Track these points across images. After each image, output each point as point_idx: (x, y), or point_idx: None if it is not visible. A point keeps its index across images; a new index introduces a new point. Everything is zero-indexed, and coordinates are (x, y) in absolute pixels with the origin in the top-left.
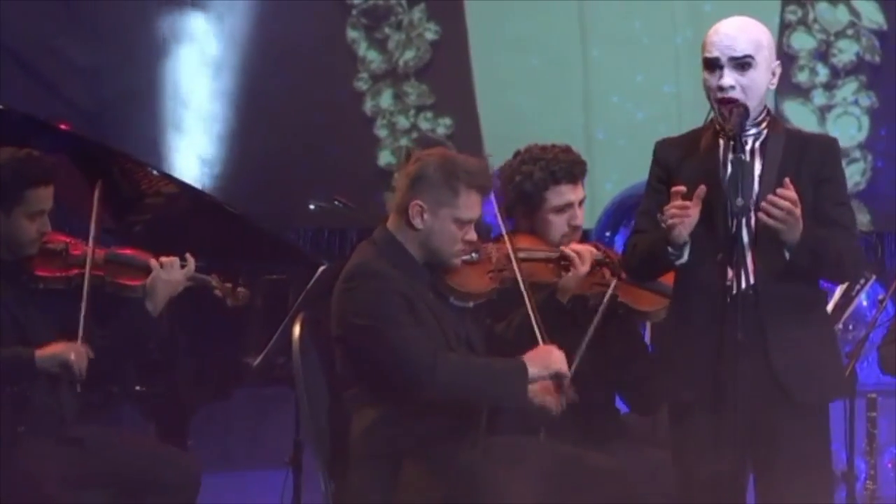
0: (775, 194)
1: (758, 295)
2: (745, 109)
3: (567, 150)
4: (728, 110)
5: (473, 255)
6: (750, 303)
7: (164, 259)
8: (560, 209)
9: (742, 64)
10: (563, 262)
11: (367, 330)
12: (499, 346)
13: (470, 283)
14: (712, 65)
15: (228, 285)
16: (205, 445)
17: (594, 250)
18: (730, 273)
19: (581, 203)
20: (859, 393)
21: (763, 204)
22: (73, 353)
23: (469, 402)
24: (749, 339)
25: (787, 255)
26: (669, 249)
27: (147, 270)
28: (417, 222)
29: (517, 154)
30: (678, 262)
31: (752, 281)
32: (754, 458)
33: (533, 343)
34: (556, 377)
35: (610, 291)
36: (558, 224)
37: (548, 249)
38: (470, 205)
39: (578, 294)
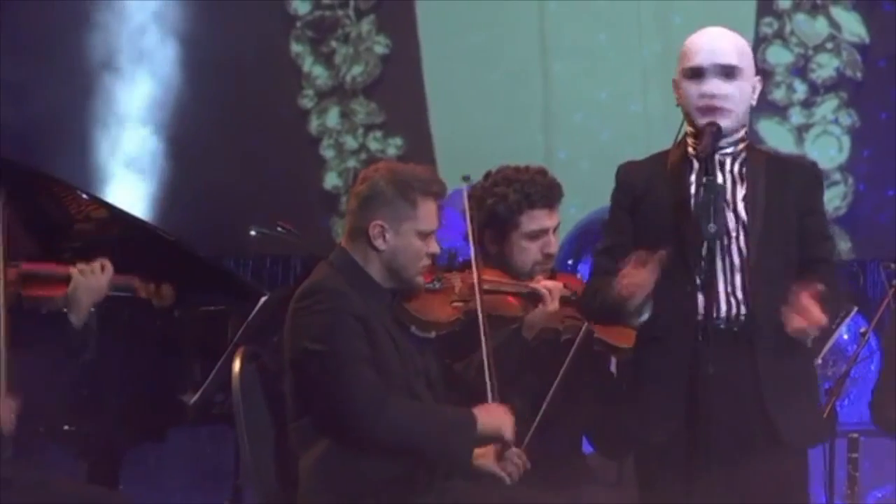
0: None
1: (744, 329)
2: (719, 129)
3: (543, 172)
4: (704, 127)
5: (436, 283)
6: (725, 335)
7: (82, 265)
8: (534, 235)
9: (728, 72)
10: (531, 297)
11: (318, 356)
12: (457, 386)
13: (432, 311)
14: (695, 73)
15: (152, 286)
16: (138, 488)
17: (563, 287)
18: (701, 303)
19: (555, 230)
20: (840, 433)
21: (795, 322)
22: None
23: (412, 450)
24: (723, 373)
25: (808, 343)
26: (628, 311)
27: (66, 280)
28: (380, 243)
29: (488, 175)
30: (639, 322)
31: (730, 312)
32: (729, 501)
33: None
34: (501, 442)
35: (585, 326)
36: (531, 251)
37: (515, 283)
38: (430, 214)
39: (549, 328)
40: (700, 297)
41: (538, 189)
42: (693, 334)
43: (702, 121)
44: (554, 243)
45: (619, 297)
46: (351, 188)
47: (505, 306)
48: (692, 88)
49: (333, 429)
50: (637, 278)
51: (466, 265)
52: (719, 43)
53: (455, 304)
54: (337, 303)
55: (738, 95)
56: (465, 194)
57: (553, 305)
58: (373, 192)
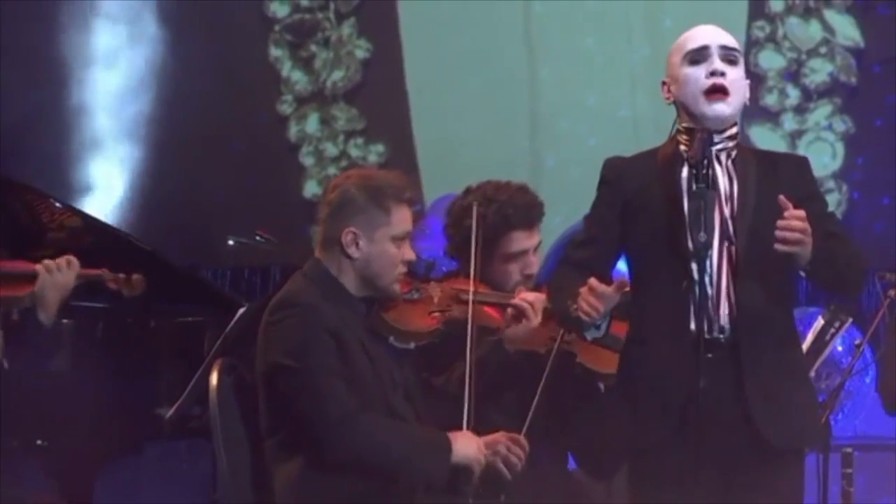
0: (752, 225)
1: (734, 336)
2: (710, 136)
3: (523, 190)
4: (695, 133)
5: (415, 294)
6: (718, 345)
7: (49, 262)
8: (513, 256)
9: (730, 57)
10: (514, 312)
11: (290, 371)
12: (439, 401)
13: (412, 321)
14: (699, 56)
15: (122, 275)
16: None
17: (545, 300)
18: (692, 310)
19: (536, 249)
20: (834, 447)
21: (778, 232)
22: None
23: (384, 469)
24: (717, 386)
25: (803, 273)
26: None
27: (33, 278)
28: (353, 251)
29: (468, 192)
30: (596, 336)
31: (720, 322)
32: None
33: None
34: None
35: (557, 342)
36: (510, 272)
37: (497, 294)
38: (404, 220)
39: (529, 350)
40: (692, 305)
41: (517, 210)
42: (685, 342)
43: (706, 109)
44: (535, 263)
45: (573, 314)
46: (322, 197)
47: (485, 318)
48: (696, 73)
49: (305, 445)
50: (594, 301)
51: (445, 277)
52: (719, 30)
53: (434, 314)
54: (309, 317)
55: (739, 85)
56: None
57: (535, 320)
58: (344, 199)
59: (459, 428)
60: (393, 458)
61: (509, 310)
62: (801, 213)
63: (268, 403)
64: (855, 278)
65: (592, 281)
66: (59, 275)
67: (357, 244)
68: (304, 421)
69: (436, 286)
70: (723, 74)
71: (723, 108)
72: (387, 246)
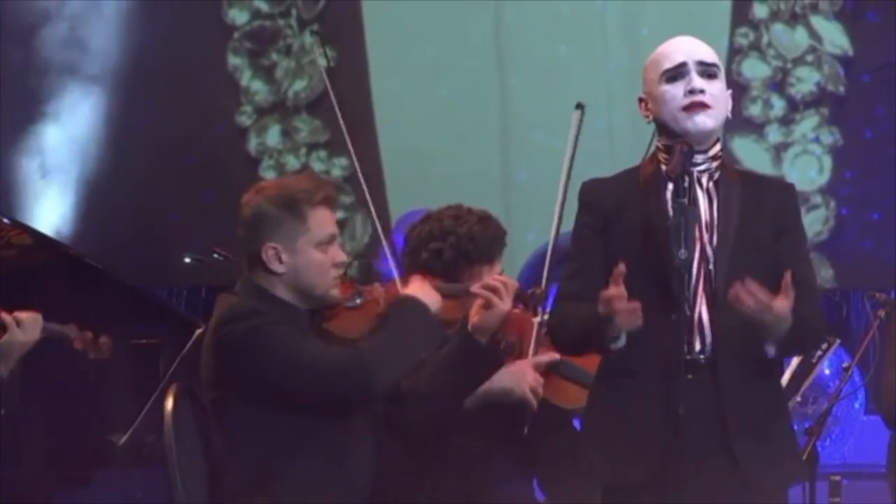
0: (733, 251)
1: (714, 363)
2: (691, 148)
3: (484, 221)
4: (675, 145)
5: (357, 298)
6: (698, 366)
7: (20, 315)
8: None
9: (709, 72)
10: (483, 299)
11: (275, 373)
12: (406, 406)
13: (355, 329)
14: (676, 73)
15: (89, 335)
16: None
17: (512, 281)
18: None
19: None
20: (821, 475)
21: (742, 293)
22: None
23: (404, 365)
24: (697, 414)
25: (770, 351)
26: (608, 336)
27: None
28: (277, 266)
29: (427, 219)
30: (616, 346)
31: (701, 345)
32: None
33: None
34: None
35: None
36: (469, 307)
37: (455, 287)
38: (323, 222)
39: (504, 338)
40: (673, 325)
41: (477, 244)
42: (667, 365)
43: (687, 124)
44: None
45: (606, 319)
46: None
47: (444, 311)
48: (674, 90)
49: (328, 425)
50: (632, 311)
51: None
52: (695, 43)
53: (381, 318)
54: (262, 318)
55: (720, 100)
56: None
57: (507, 302)
58: (257, 215)
59: (434, 440)
60: (409, 356)
61: (478, 299)
62: (774, 305)
63: (236, 424)
64: (815, 347)
65: (608, 294)
66: (30, 331)
67: (280, 259)
68: (314, 391)
69: (378, 287)
70: (702, 91)
71: (704, 120)
72: (311, 254)
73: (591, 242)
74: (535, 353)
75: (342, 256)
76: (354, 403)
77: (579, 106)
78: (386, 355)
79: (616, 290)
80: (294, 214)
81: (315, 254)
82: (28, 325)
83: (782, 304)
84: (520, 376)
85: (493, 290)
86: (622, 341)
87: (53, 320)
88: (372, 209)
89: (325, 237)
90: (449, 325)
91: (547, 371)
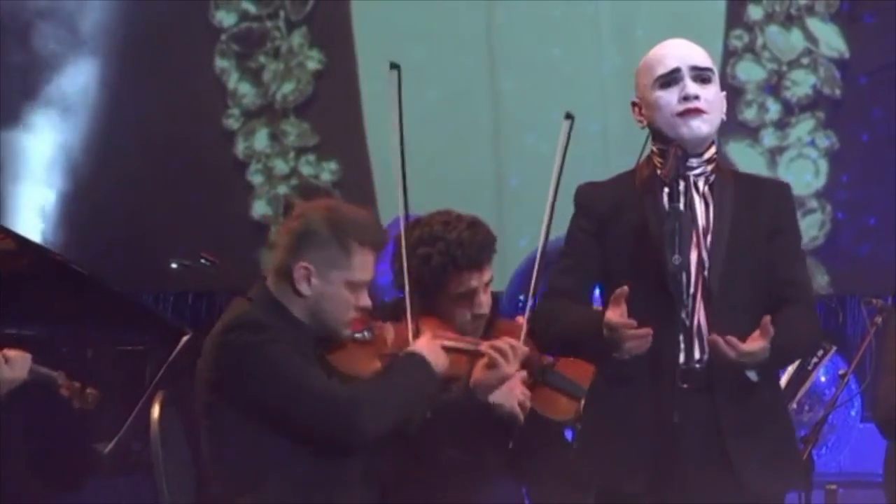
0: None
1: (710, 370)
2: (685, 152)
3: (474, 226)
4: (669, 149)
5: (366, 333)
6: (694, 375)
7: (9, 353)
8: (462, 298)
9: (703, 77)
10: (489, 360)
11: (265, 382)
12: (408, 449)
13: (355, 365)
14: (670, 79)
15: (77, 384)
16: None
17: (521, 347)
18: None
19: (487, 286)
20: (817, 483)
21: (717, 345)
22: None
23: (396, 419)
24: (693, 423)
25: (752, 376)
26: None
27: None
28: (304, 288)
29: (416, 224)
30: (619, 358)
31: (701, 352)
32: None
33: (453, 434)
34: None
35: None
36: (458, 313)
37: (465, 341)
38: (364, 265)
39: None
40: (670, 334)
41: (466, 250)
42: (663, 374)
43: (683, 129)
44: (485, 302)
45: (624, 350)
46: (284, 220)
47: (452, 363)
48: (668, 96)
49: (314, 453)
50: (643, 334)
51: (402, 317)
52: (690, 48)
53: (384, 357)
54: (269, 333)
55: (715, 104)
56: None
57: (511, 368)
58: (306, 229)
59: (426, 474)
60: (404, 408)
61: (483, 358)
62: (749, 349)
63: (227, 429)
64: (810, 352)
65: (615, 322)
66: (17, 370)
67: (309, 281)
68: (307, 423)
69: (391, 329)
70: (696, 97)
71: (699, 125)
72: (340, 289)
73: (585, 244)
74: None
75: (367, 302)
76: (341, 443)
77: (569, 116)
78: (382, 406)
79: (621, 319)
80: (342, 244)
81: (344, 291)
82: (16, 364)
83: (754, 345)
84: (508, 390)
85: (502, 353)
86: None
87: (40, 327)
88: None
89: (360, 281)
90: (451, 377)
91: (536, 383)
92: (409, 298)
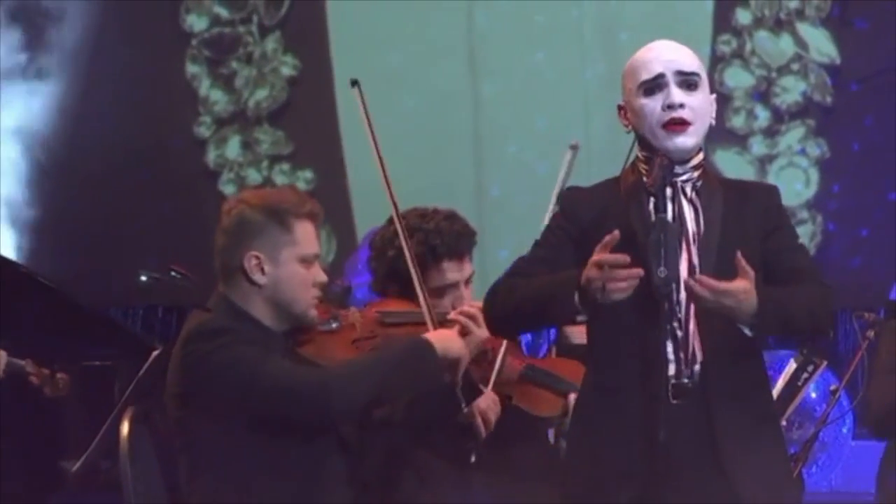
0: (717, 262)
1: (701, 385)
2: (671, 162)
3: (451, 217)
4: (655, 158)
5: (332, 322)
6: (685, 390)
7: None
8: (442, 290)
9: (689, 82)
10: (460, 327)
11: (237, 393)
12: (381, 434)
13: (331, 354)
14: (654, 85)
15: (46, 371)
16: None
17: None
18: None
19: (468, 281)
20: (807, 503)
21: (685, 282)
22: None
23: (378, 398)
24: (685, 437)
25: (746, 331)
26: (576, 303)
27: None
28: (259, 277)
29: (391, 221)
30: (578, 320)
31: (691, 365)
32: None
33: (420, 434)
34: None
35: (500, 356)
36: (441, 307)
37: (428, 312)
38: (308, 237)
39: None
40: (658, 346)
41: (445, 239)
42: (651, 388)
43: (667, 143)
44: (466, 297)
45: (607, 291)
46: (217, 226)
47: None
48: (652, 105)
49: (295, 447)
50: (633, 273)
51: (368, 304)
52: (675, 51)
53: (357, 343)
54: (231, 336)
55: (702, 110)
56: None
57: (484, 330)
58: (241, 222)
59: (407, 464)
60: (381, 387)
61: (455, 326)
62: (725, 287)
63: (199, 447)
64: (815, 324)
65: (604, 256)
66: None
67: (262, 269)
68: (275, 411)
69: (355, 312)
70: (681, 106)
71: (684, 141)
72: (295, 267)
73: (560, 241)
74: (503, 363)
75: (323, 277)
76: (314, 426)
77: (574, 147)
78: (353, 381)
79: (611, 255)
80: (280, 224)
81: (298, 268)
82: None
83: (738, 283)
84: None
85: (471, 317)
86: (583, 316)
87: (6, 345)
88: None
89: (310, 253)
90: None
91: (520, 378)
92: (423, 299)
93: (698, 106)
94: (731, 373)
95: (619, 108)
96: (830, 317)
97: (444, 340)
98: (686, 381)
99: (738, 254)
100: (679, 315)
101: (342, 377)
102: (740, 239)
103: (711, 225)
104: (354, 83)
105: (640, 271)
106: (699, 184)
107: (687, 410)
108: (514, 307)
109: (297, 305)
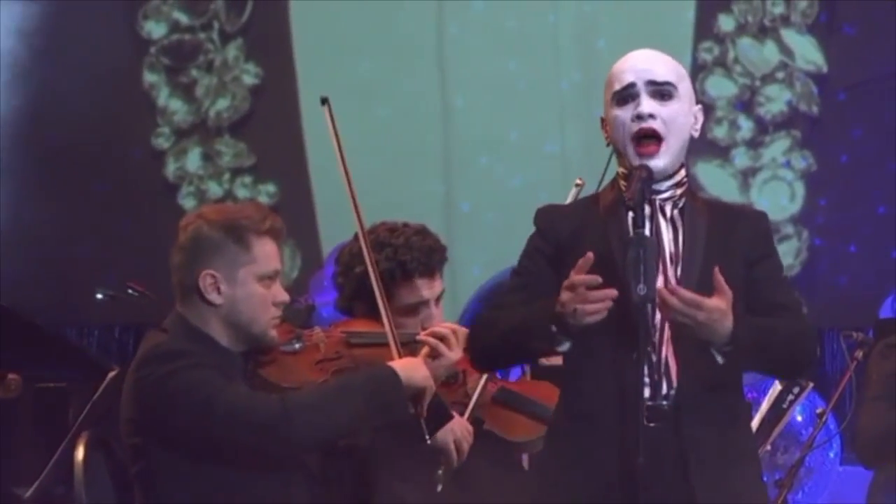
0: (699, 285)
1: (677, 408)
2: (650, 174)
3: (421, 232)
4: (633, 171)
5: (295, 343)
6: (661, 413)
7: None
8: (411, 309)
9: (662, 92)
10: (430, 349)
11: (183, 409)
12: (346, 460)
13: (294, 376)
14: (626, 95)
15: None
16: None
17: (463, 329)
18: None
19: (438, 299)
20: None
21: (659, 292)
22: None
23: (342, 431)
24: (659, 464)
25: (718, 358)
26: (554, 332)
27: None
28: (214, 297)
29: (357, 237)
30: (560, 350)
31: (667, 388)
32: None
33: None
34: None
35: (481, 385)
36: (409, 326)
37: (400, 332)
38: (268, 255)
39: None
40: (634, 368)
41: (415, 255)
42: (627, 411)
43: (636, 158)
44: (436, 316)
45: (578, 314)
46: (174, 244)
47: (385, 360)
48: (623, 116)
49: (255, 477)
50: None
51: (333, 324)
52: (650, 61)
53: (322, 364)
54: (187, 359)
55: (676, 122)
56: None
57: (457, 352)
58: (197, 238)
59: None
60: (345, 418)
61: (424, 348)
62: (698, 300)
63: (157, 474)
64: (794, 361)
65: (575, 278)
66: None
67: (218, 288)
68: (232, 439)
69: (321, 333)
70: (651, 116)
71: (656, 163)
72: (252, 286)
73: (539, 266)
74: (484, 386)
75: (284, 296)
76: (274, 456)
77: (578, 185)
78: (314, 411)
79: (585, 276)
80: (238, 241)
81: (257, 287)
82: None
83: (712, 300)
84: (447, 429)
85: (442, 339)
86: (567, 345)
87: None
88: None
89: (269, 271)
90: None
91: (493, 402)
92: (387, 322)
93: (671, 118)
94: (706, 398)
95: (602, 120)
96: (812, 355)
97: (410, 370)
98: (663, 403)
99: (716, 269)
100: (653, 339)
101: (303, 407)
102: (725, 264)
103: (693, 247)
104: (324, 101)
105: (614, 292)
106: (682, 202)
107: (663, 434)
108: (494, 342)
109: (256, 326)
